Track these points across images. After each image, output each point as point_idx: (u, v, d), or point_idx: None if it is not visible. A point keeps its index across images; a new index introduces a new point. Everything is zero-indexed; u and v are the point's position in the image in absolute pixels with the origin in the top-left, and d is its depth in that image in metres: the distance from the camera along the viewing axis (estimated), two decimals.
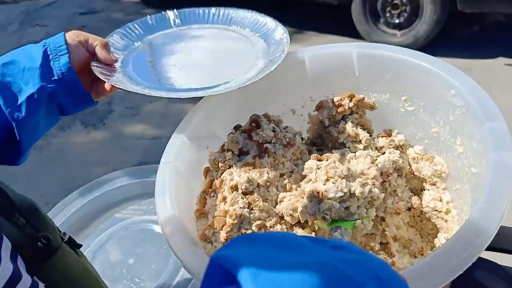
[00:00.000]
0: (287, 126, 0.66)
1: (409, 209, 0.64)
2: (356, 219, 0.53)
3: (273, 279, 0.27)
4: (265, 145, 0.61)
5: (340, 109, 0.64)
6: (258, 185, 0.58)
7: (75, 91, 0.62)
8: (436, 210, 0.62)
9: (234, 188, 0.57)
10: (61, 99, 0.63)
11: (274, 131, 0.62)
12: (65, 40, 0.62)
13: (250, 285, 0.27)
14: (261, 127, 0.62)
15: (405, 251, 0.62)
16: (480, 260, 0.73)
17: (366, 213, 0.54)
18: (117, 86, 0.62)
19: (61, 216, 0.89)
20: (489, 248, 0.72)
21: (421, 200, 0.63)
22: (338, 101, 0.65)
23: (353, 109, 0.64)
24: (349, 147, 0.64)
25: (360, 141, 0.65)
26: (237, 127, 0.64)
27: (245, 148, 0.63)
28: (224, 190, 0.59)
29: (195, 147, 0.63)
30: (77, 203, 0.89)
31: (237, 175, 0.58)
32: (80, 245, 0.64)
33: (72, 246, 0.60)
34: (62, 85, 0.61)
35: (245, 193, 0.57)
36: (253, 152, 0.62)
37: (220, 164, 0.61)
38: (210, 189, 0.61)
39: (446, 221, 0.61)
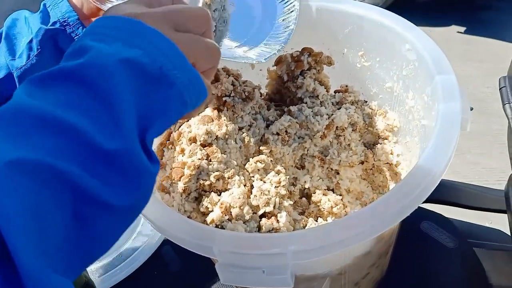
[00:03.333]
0: (246, 80, 0.66)
1: (362, 162, 0.66)
2: None
3: None
4: (224, 98, 0.61)
5: (298, 64, 0.65)
6: (217, 138, 0.58)
7: (78, 33, 0.57)
8: (387, 163, 0.64)
9: (193, 140, 0.57)
10: (65, 46, 0.57)
11: (233, 84, 0.62)
12: None
13: None
14: (220, 80, 0.62)
15: (357, 202, 0.65)
16: (427, 212, 0.78)
17: None
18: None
19: None
20: (437, 201, 0.77)
21: (374, 154, 0.66)
22: (296, 56, 0.65)
23: (311, 64, 0.65)
24: (306, 102, 0.65)
25: (317, 96, 0.66)
26: None
27: None
28: (182, 143, 0.59)
29: None
30: None
31: (196, 128, 0.58)
32: None
33: None
34: (63, 27, 0.56)
35: (203, 145, 0.57)
36: (211, 105, 0.62)
37: None
38: (167, 141, 0.61)
39: (396, 173, 0.63)
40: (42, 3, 0.58)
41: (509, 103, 0.59)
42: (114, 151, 0.27)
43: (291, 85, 0.66)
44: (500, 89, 0.61)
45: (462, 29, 2.58)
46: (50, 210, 0.24)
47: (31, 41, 0.56)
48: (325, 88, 0.67)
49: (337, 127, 0.63)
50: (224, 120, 0.58)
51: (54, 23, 0.57)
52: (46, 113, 0.26)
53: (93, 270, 0.78)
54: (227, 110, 0.60)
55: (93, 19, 0.59)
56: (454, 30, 2.59)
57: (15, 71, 0.56)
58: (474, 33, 2.55)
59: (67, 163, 0.25)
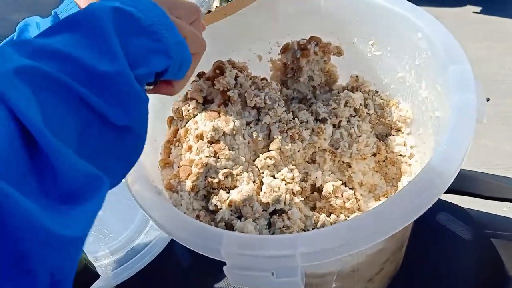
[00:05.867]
0: (254, 76, 0.64)
1: (374, 154, 0.64)
2: None
3: None
4: (228, 93, 0.59)
5: (304, 53, 0.63)
6: (224, 134, 0.56)
7: None
8: (401, 155, 0.63)
9: (200, 137, 0.56)
10: None
11: (236, 77, 0.60)
12: None
13: None
14: (224, 74, 0.60)
15: (370, 195, 0.63)
16: (443, 203, 0.76)
17: None
18: None
19: None
20: (452, 191, 0.75)
21: (386, 146, 0.64)
22: (303, 44, 0.63)
23: (317, 53, 0.63)
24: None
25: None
26: (200, 74, 0.62)
27: (210, 96, 0.61)
28: (189, 140, 0.57)
29: (158, 95, 0.60)
30: None
31: (202, 124, 0.57)
32: None
33: None
34: None
35: (210, 142, 0.56)
36: (217, 100, 0.60)
37: (184, 113, 0.59)
38: (174, 139, 0.59)
39: (409, 165, 0.62)
40: (53, 11, 0.60)
41: None
42: (109, 73, 0.32)
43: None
44: None
45: (478, 9, 2.51)
46: (63, 114, 0.29)
47: None
48: (332, 78, 0.66)
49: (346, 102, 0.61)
50: (231, 115, 0.57)
51: None
52: (53, 47, 0.31)
53: (106, 264, 0.79)
54: (232, 105, 0.58)
55: None
56: (469, 10, 2.52)
57: None
58: (490, 13, 2.48)
59: (75, 82, 0.30)
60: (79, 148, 0.30)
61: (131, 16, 0.35)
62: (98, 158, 0.32)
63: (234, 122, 0.57)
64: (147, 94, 0.36)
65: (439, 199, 0.72)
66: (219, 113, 0.57)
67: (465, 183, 0.75)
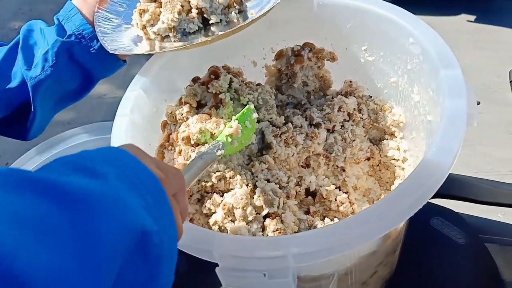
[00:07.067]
0: (250, 82, 0.64)
1: (368, 159, 0.65)
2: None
3: None
4: (219, 96, 0.59)
5: (298, 59, 0.64)
6: (212, 136, 0.56)
7: (93, 45, 0.59)
8: (394, 159, 0.63)
9: (186, 139, 0.56)
10: (81, 58, 0.60)
11: (231, 82, 0.61)
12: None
13: None
14: (219, 78, 0.61)
15: (364, 199, 0.63)
16: (436, 207, 0.76)
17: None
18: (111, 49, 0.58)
19: None
20: (446, 196, 0.75)
21: (380, 150, 0.64)
22: (297, 50, 0.64)
23: (311, 59, 0.64)
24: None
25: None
26: (195, 79, 0.63)
27: (204, 100, 0.61)
28: (180, 144, 0.58)
29: (153, 100, 0.61)
30: (34, 161, 0.85)
31: (193, 127, 0.57)
32: None
33: None
34: (79, 39, 0.59)
35: (197, 144, 0.56)
36: (210, 103, 0.60)
37: (178, 117, 0.59)
38: (167, 143, 0.60)
39: (403, 169, 0.62)
40: (55, 17, 0.60)
41: None
42: None
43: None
44: (510, 81, 0.60)
45: (472, 17, 2.53)
46: None
47: (46, 52, 0.58)
48: (326, 83, 0.67)
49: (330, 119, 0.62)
50: (222, 117, 0.57)
51: (70, 35, 0.59)
52: None
53: None
54: (224, 107, 0.59)
55: None
56: (463, 19, 2.54)
57: (29, 81, 0.58)
58: (484, 21, 2.50)
59: None
60: None
61: (147, 247, 0.28)
62: None
63: (225, 125, 0.57)
64: None
65: (433, 203, 0.73)
66: (210, 116, 0.58)
67: (458, 188, 0.75)
